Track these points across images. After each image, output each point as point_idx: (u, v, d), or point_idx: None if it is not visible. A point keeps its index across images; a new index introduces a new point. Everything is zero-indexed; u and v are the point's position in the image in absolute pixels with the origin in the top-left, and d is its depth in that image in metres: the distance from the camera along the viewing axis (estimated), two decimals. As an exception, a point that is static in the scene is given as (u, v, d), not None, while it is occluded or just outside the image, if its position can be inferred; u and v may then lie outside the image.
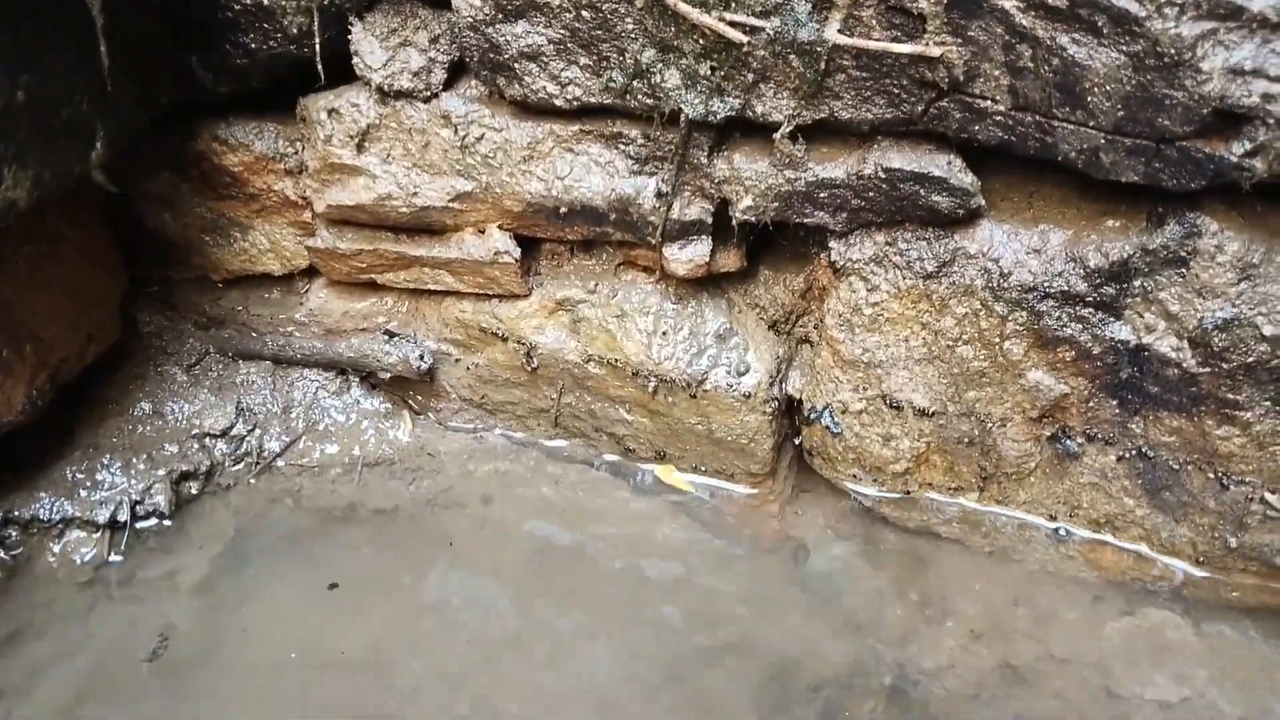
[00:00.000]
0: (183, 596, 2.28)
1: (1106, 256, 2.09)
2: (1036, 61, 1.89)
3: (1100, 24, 1.80)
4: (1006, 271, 2.16)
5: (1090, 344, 2.16)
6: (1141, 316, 2.11)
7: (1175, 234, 2.02)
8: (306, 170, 2.45)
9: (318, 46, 2.24)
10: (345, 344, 2.63)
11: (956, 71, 1.94)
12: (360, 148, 2.36)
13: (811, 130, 2.13)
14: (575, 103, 2.18)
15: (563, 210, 2.32)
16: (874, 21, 1.93)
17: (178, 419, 2.58)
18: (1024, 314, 2.18)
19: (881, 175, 2.12)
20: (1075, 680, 2.16)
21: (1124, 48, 1.80)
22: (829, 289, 2.36)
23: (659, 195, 2.26)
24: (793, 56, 1.99)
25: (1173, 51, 1.76)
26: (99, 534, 2.37)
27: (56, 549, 2.34)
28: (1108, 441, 2.27)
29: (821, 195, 2.19)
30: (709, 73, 2.05)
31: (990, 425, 2.33)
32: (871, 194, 2.15)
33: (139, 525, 2.42)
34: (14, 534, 2.33)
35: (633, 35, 2.04)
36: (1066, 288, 2.13)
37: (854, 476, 2.51)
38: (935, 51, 1.91)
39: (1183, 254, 2.03)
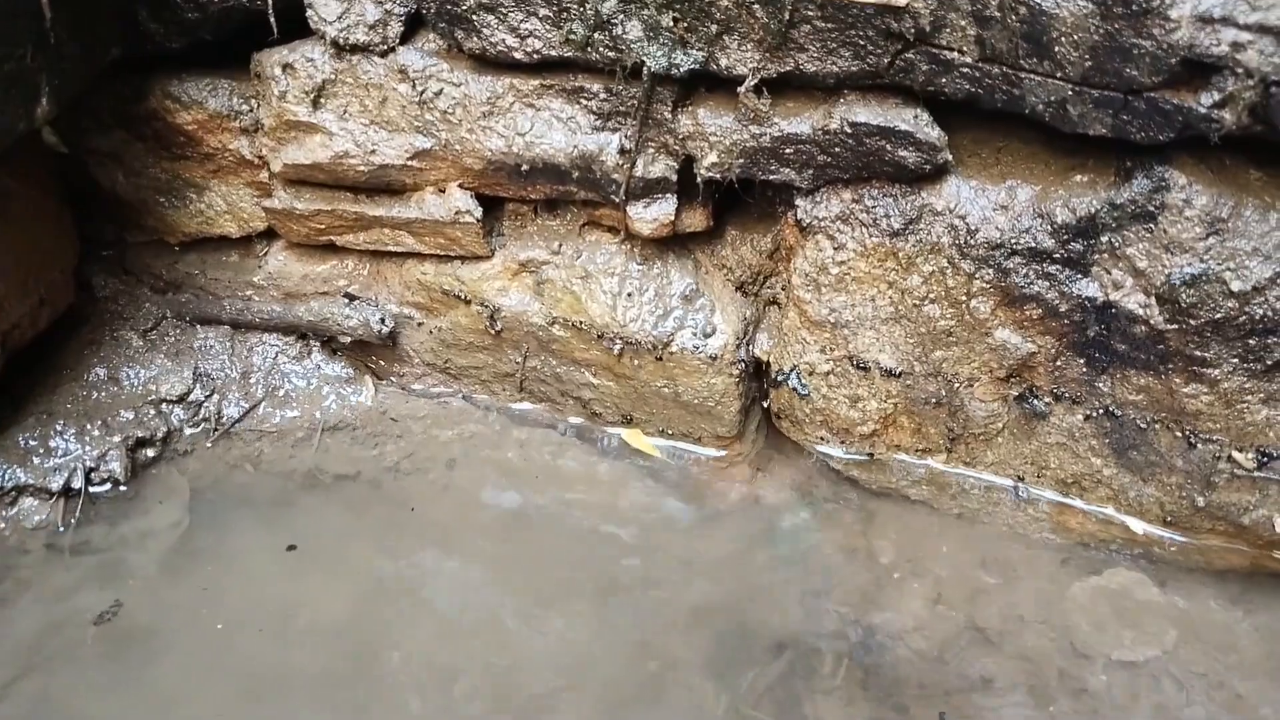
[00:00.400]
0: (137, 563, 2.24)
1: (1074, 212, 2.06)
2: (1004, 10, 1.86)
3: (1067, -29, 1.77)
4: (974, 228, 2.13)
5: (1057, 301, 2.14)
6: (1109, 273, 2.09)
7: (1143, 188, 2.00)
8: (262, 128, 2.39)
9: (270, -1, 2.18)
10: (305, 308, 2.58)
11: (923, 22, 1.90)
12: (316, 104, 2.30)
13: (777, 84, 2.09)
14: (535, 55, 2.13)
15: (524, 168, 2.28)
16: (838, -30, 1.89)
17: (134, 385, 2.52)
18: (991, 271, 2.15)
19: (848, 130, 2.08)
20: (1042, 641, 2.15)
21: (1091, -5, 1.77)
22: (795, 248, 2.32)
23: (622, 152, 2.21)
24: (756, 6, 1.95)
25: (1140, -1, 1.74)
26: (53, 501, 2.32)
27: (8, 516, 2.29)
28: (1075, 401, 2.26)
29: (787, 151, 2.15)
30: (671, 24, 2.01)
31: (957, 385, 2.31)
32: (838, 149, 2.12)
33: (94, 492, 2.37)
34: (-35, 501, 2.28)
35: (593, -15, 2.00)
36: (1034, 244, 2.10)
37: (822, 439, 2.49)
38: (901, 1, 1.87)
39: (1151, 209, 2.00)
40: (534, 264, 2.44)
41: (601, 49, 2.08)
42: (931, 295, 2.22)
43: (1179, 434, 2.19)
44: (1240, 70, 1.77)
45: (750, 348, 2.48)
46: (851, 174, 2.17)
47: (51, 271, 2.43)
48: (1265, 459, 2.14)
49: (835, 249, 2.25)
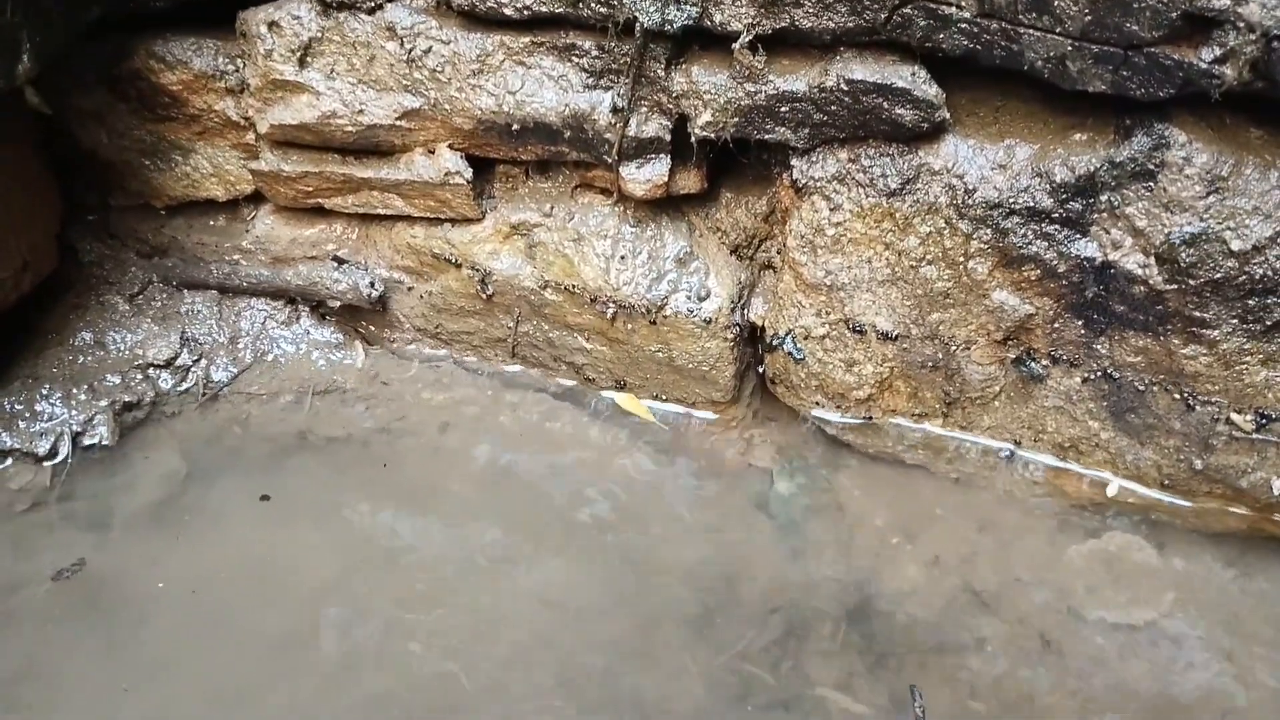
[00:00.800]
0: (121, 524, 2.23)
1: (1073, 171, 2.03)
2: (1003, -37, 1.82)
3: (1068, -79, 1.73)
4: (971, 188, 2.10)
5: (1056, 262, 2.12)
6: (1108, 233, 2.06)
7: (1143, 146, 1.97)
8: (248, 89, 2.35)
9: (255, -46, 2.14)
10: (293, 272, 2.55)
11: (920, -25, 1.87)
12: (303, 63, 2.26)
13: (772, 41, 2.05)
14: (526, 11, 2.09)
15: (515, 127, 2.24)
16: (835, -79, 1.85)
17: (120, 349, 2.49)
18: (989, 232, 2.12)
19: (844, 87, 2.05)
20: (1038, 603, 2.14)
21: (1093, -54, 1.74)
22: (791, 210, 2.29)
23: (615, 110, 2.18)
24: (751, -41, 1.91)
25: (1143, -51, 1.70)
26: (39, 465, 2.30)
27: (-6, 479, 2.27)
28: (1073, 363, 2.23)
29: (783, 110, 2.12)
30: (664, -22, 1.97)
31: (954, 348, 2.29)
32: (834, 108, 2.08)
33: (81, 455, 2.34)
34: (-50, 466, 2.26)
35: (584, -62, 1.96)
36: (1032, 204, 2.07)
37: (817, 404, 2.46)
38: (898, -47, 1.84)
39: (1150, 167, 1.98)
40: (525, 226, 2.41)
41: (593, 4, 2.05)
42: (928, 256, 2.19)
43: (1177, 396, 2.17)
44: (1241, 24, 1.75)
45: (745, 312, 2.45)
46: (848, 133, 2.13)
47: (34, 234, 2.40)
48: (1264, 421, 2.12)
49: (831, 210, 2.22)
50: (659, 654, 2.03)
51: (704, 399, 2.51)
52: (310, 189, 2.45)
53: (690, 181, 2.32)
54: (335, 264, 2.54)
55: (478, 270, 2.46)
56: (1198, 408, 2.16)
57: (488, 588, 2.13)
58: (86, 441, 2.36)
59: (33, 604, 2.06)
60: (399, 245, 2.52)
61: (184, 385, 2.50)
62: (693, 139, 2.20)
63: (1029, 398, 2.31)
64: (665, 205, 2.38)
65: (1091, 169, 2.02)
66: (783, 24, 2.00)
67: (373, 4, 2.18)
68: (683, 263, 2.38)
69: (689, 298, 2.38)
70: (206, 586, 2.11)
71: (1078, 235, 2.09)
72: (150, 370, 2.48)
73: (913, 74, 2.02)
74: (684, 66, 2.14)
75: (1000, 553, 2.23)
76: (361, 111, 2.27)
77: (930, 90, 2.02)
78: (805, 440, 2.47)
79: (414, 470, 2.36)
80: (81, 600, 2.07)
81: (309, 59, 2.26)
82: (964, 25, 1.93)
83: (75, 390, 2.39)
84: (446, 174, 2.32)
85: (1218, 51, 1.80)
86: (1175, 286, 2.03)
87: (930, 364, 2.32)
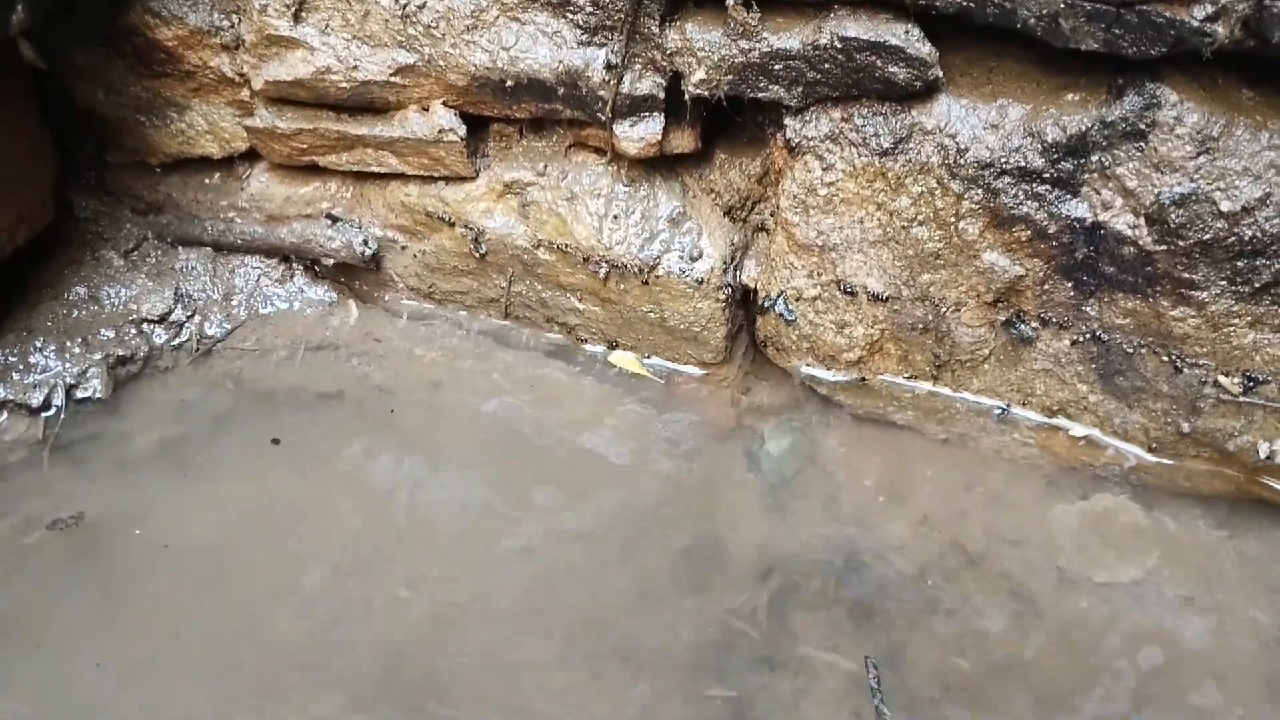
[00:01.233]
0: (113, 475, 2.24)
1: (1064, 130, 2.04)
2: (996, -82, 1.82)
3: (1062, -125, 1.73)
4: (963, 147, 2.11)
5: (1046, 222, 2.12)
6: (1098, 193, 2.07)
7: (1134, 105, 1.97)
8: (243, 44, 2.35)
9: (250, -95, 2.14)
10: (287, 229, 2.55)
11: (914, -70, 1.87)
12: (298, 18, 2.26)
13: (766, -2, 2.06)
14: (520, -34, 2.10)
15: (509, 84, 2.24)
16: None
17: (114, 304, 2.50)
18: (980, 192, 2.13)
19: (838, 45, 2.05)
20: (1026, 562, 2.15)
21: (1086, -100, 1.74)
22: (784, 170, 2.30)
23: (609, 67, 2.18)
24: (745, -87, 1.91)
25: (1135, -97, 1.70)
26: (33, 417, 2.31)
27: (-12, 431, 2.28)
28: (1062, 325, 2.24)
29: (776, 67, 2.12)
30: (659, -68, 1.97)
31: (945, 310, 2.29)
32: (827, 65, 2.09)
33: (75, 408, 2.35)
34: (-57, 416, 2.27)
35: (579, -109, 1.96)
36: (1024, 163, 2.08)
37: (808, 366, 2.47)
38: (892, -93, 1.84)
39: (1141, 126, 1.98)
40: (519, 185, 2.41)
41: (588, -41, 2.05)
42: (920, 217, 2.20)
43: (1165, 358, 2.18)
44: (1235, -19, 1.75)
45: (738, 273, 2.46)
46: (841, 92, 2.14)
47: (29, 188, 2.39)
48: (1251, 383, 2.13)
49: (824, 169, 2.22)
50: (647, 609, 2.04)
51: (696, 360, 2.52)
52: (305, 146, 2.46)
53: (684, 141, 2.33)
54: (329, 222, 2.54)
55: (471, 229, 2.47)
56: (1186, 370, 2.17)
57: (480, 541, 2.14)
58: (80, 394, 2.36)
59: (27, 552, 2.07)
60: (393, 204, 2.52)
61: (177, 340, 2.50)
62: (686, 97, 2.21)
63: (1018, 360, 2.32)
64: (659, 165, 2.39)
65: (1083, 128, 2.02)
66: (777, -20, 2.00)
67: (367, -42, 2.18)
68: (676, 223, 2.39)
69: (681, 258, 2.38)
70: (200, 537, 2.12)
71: (1068, 196, 2.09)
72: (144, 325, 2.48)
73: (906, 32, 2.02)
74: (678, 23, 2.14)
75: (988, 513, 2.24)
76: (356, 67, 2.27)
77: (924, 48, 2.03)
78: (796, 401, 2.47)
79: (407, 426, 2.37)
80: (77, 549, 2.08)
81: (304, 14, 2.26)
82: (957, -18, 1.93)
83: (69, 343, 2.40)
84: (440, 131, 2.33)
85: (1210, 9, 1.80)
86: (1165, 248, 2.04)
87: (921, 326, 2.33)
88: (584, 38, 2.18)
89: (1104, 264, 2.12)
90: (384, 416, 2.38)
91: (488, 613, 2.03)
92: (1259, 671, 1.98)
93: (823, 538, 2.19)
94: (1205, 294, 2.07)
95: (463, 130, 2.33)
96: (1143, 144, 1.99)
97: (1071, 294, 2.19)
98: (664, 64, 2.18)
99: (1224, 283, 2.05)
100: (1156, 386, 2.21)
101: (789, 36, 2.08)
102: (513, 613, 2.03)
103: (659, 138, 2.26)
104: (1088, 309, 2.20)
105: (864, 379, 2.44)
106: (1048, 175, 2.08)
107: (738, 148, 2.44)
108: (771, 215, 2.44)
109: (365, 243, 2.52)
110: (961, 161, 2.11)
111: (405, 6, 2.20)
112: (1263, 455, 2.18)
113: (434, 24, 2.21)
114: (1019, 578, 2.12)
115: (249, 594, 2.03)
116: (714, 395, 2.49)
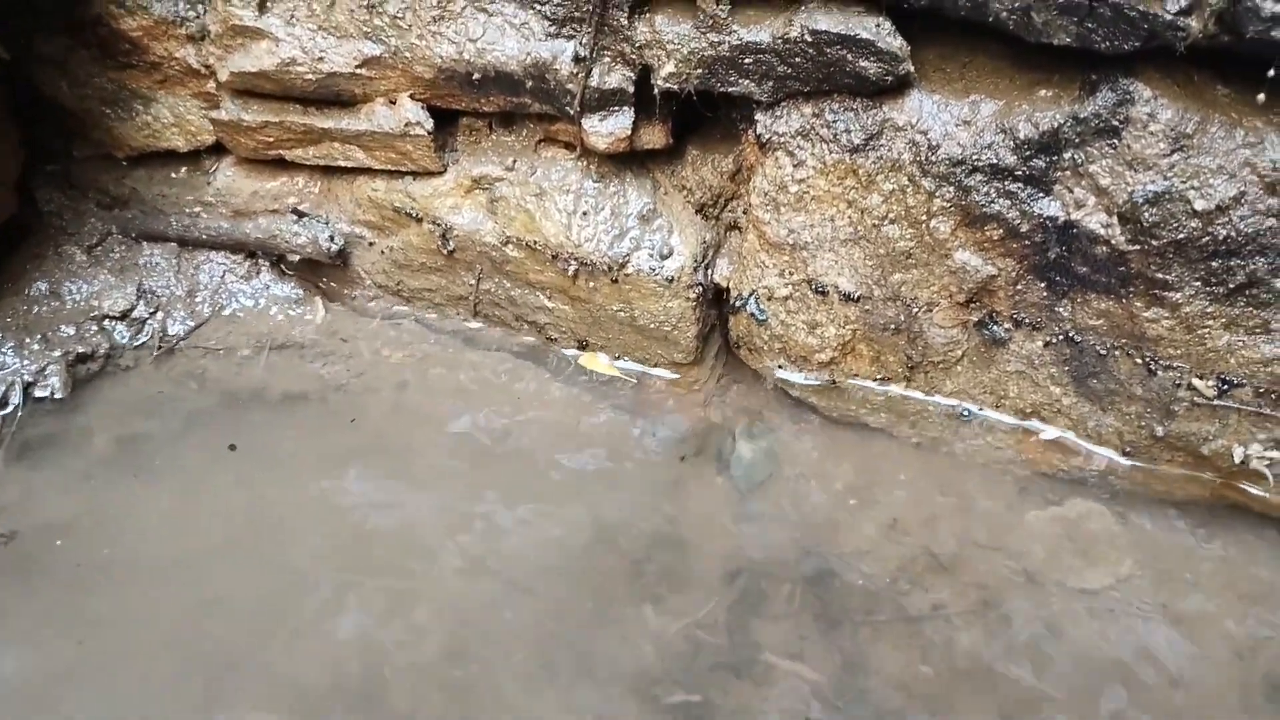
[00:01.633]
0: (70, 476, 2.19)
1: (1037, 127, 2.00)
2: (965, -91, 1.80)
3: None
4: (935, 144, 2.07)
5: (1019, 221, 2.09)
6: (1071, 191, 2.04)
7: (1108, 101, 1.94)
8: (209, 35, 2.32)
9: (213, -107, 2.11)
10: (253, 224, 2.51)
11: (883, -79, 1.84)
12: (262, 7, 2.23)
13: (736, -10, 2.03)
14: (486, -44, 2.06)
15: (476, 77, 2.21)
16: None
17: (76, 300, 2.46)
18: (952, 189, 2.10)
19: (808, 38, 2.02)
20: (997, 568, 2.11)
21: (1055, -109, 1.71)
22: (755, 166, 2.26)
23: (577, 60, 2.15)
24: (712, -97, 1.88)
25: (1105, -107, 1.68)
26: (-12, 414, 2.27)
27: (-58, 427, 2.24)
28: (1035, 326, 2.21)
29: (746, 61, 2.09)
30: (625, -78, 1.94)
31: (917, 310, 2.26)
32: (798, 59, 2.05)
33: (33, 406, 2.31)
34: (-104, 412, 2.23)
35: (544, -120, 1.93)
36: (996, 160, 2.05)
37: (780, 367, 2.44)
38: (860, -103, 1.81)
39: (1115, 123, 1.95)
40: (487, 180, 2.38)
41: (554, -51, 2.02)
42: (891, 215, 2.17)
43: (1139, 360, 2.15)
44: (1207, -26, 1.72)
45: (709, 272, 2.42)
46: (812, 86, 2.11)
47: (-9, 180, 2.37)
48: (1226, 386, 2.10)
49: (795, 166, 2.19)
50: (613, 614, 2.00)
51: (666, 360, 2.48)
52: (271, 139, 2.42)
53: (654, 136, 2.29)
54: (295, 217, 2.50)
55: (439, 225, 2.43)
56: (1159, 373, 2.13)
57: (442, 548, 2.10)
58: (38, 393, 2.32)
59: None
60: (360, 199, 2.48)
61: (140, 338, 2.46)
62: (656, 91, 2.17)
63: (991, 362, 2.29)
64: (629, 161, 2.35)
65: (1056, 125, 1.99)
66: (746, -28, 1.97)
67: (332, -53, 2.15)
68: (646, 220, 2.35)
69: (651, 255, 2.35)
70: (157, 539, 2.07)
71: (1041, 194, 2.06)
72: (105, 322, 2.44)
73: (877, 25, 1.99)
74: (647, 16, 2.11)
75: (960, 518, 2.20)
76: (321, 59, 2.24)
77: (894, 42, 1.99)
78: (768, 403, 2.44)
79: (371, 429, 2.32)
80: (24, 555, 2.03)
81: (269, 4, 2.23)
82: (928, -25, 1.90)
83: (28, 340, 2.36)
84: (407, 124, 2.29)
85: (1183, 3, 1.77)
86: (1138, 247, 2.01)
87: (893, 326, 2.29)
88: (552, 29, 2.15)
89: (1077, 264, 2.09)
90: (346, 420, 2.33)
91: (446, 620, 1.97)
92: (1232, 679, 1.94)
93: (793, 542, 2.15)
94: (1179, 295, 2.04)
95: (430, 124, 2.29)
96: (1116, 141, 1.96)
97: (1044, 294, 2.16)
98: (633, 57, 2.15)
99: (1198, 283, 2.01)
100: (1130, 389, 2.18)
101: (759, 29, 2.05)
102: (474, 621, 1.98)
103: (628, 133, 2.23)
104: (1061, 310, 2.16)
105: (835, 382, 2.40)
106: (1020, 173, 2.05)
107: (710, 144, 2.41)
108: (744, 213, 2.40)
109: (331, 239, 2.48)
110: (933, 159, 2.08)
111: (371, -3, 2.17)
112: (1237, 459, 2.14)
113: (400, 14, 2.18)
114: (989, 584, 2.08)
115: (194, 601, 1.98)
116: (686, 398, 2.45)
